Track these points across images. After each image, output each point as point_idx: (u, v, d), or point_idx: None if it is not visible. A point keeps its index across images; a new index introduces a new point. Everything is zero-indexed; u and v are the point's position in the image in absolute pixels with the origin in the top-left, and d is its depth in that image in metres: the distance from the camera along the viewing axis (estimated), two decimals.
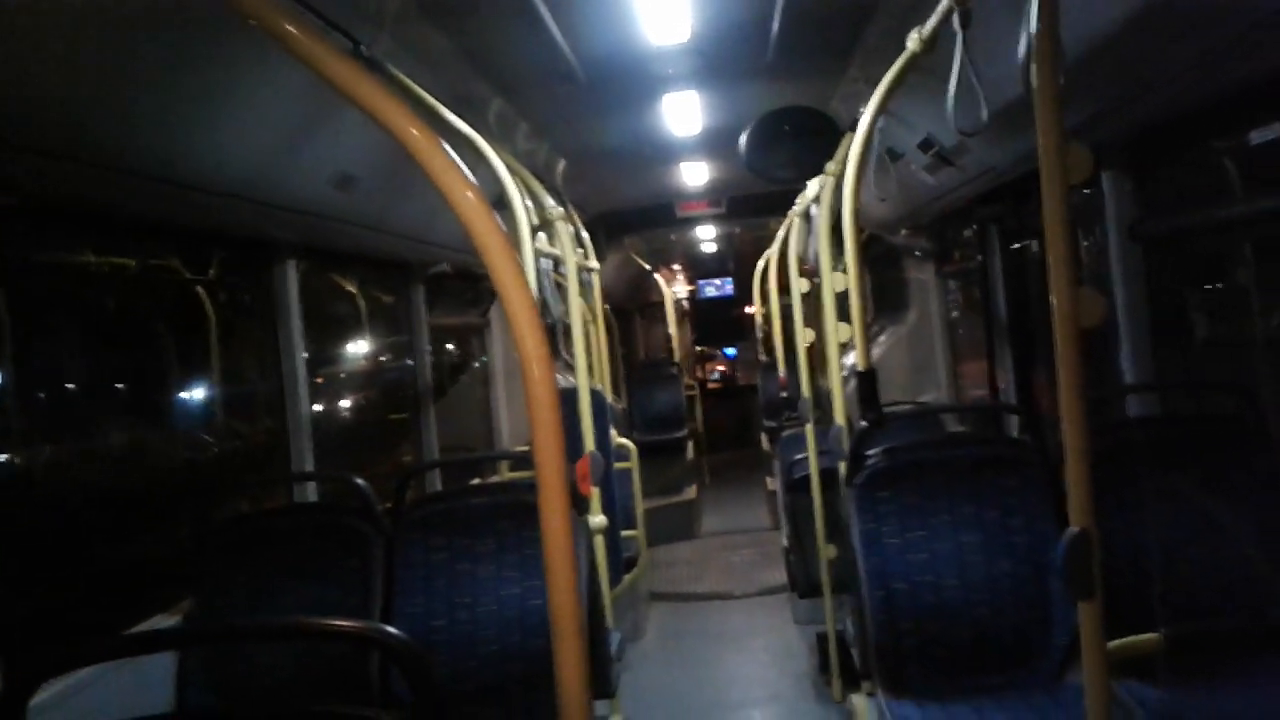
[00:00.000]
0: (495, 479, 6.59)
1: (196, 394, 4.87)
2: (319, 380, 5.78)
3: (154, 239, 4.10)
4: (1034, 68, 1.89)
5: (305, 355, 4.68)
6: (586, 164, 7.14)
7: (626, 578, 6.57)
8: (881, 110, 3.39)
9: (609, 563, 5.02)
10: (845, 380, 4.41)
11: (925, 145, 4.65)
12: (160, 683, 3.29)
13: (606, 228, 9.59)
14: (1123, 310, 4.03)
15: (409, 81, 3.43)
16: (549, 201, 4.63)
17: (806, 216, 5.40)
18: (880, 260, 8.73)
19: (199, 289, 4.59)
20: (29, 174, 2.64)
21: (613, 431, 6.65)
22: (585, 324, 6.64)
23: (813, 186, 5.08)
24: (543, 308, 4.76)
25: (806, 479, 5.48)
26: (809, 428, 5.55)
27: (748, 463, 13.11)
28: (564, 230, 4.65)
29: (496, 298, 7.97)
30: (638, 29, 4.25)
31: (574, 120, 5.82)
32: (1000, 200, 5.30)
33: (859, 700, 3.84)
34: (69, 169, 2.70)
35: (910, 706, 3.23)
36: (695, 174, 8.40)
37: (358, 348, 6.75)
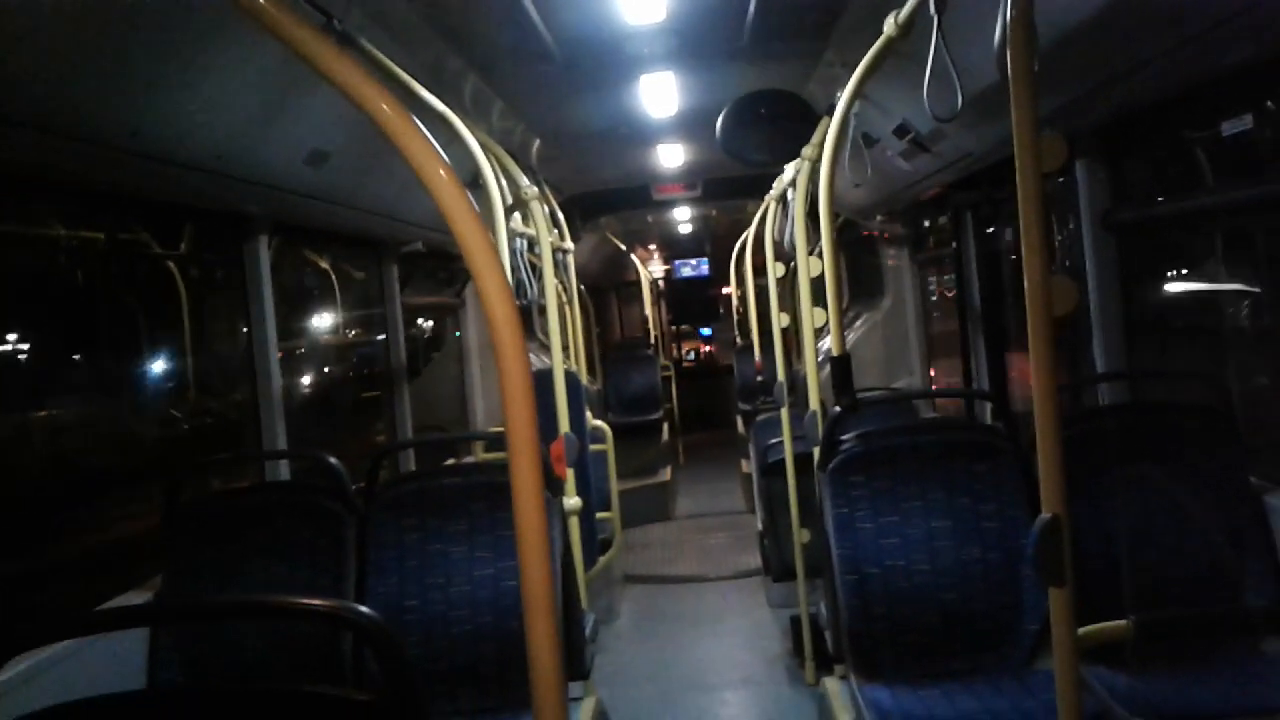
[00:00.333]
0: (470, 460, 6.59)
1: (167, 369, 4.83)
2: (292, 355, 5.74)
3: (124, 212, 4.05)
4: (1009, 54, 1.89)
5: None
6: (562, 144, 7.10)
7: (601, 560, 6.58)
8: (857, 95, 3.38)
9: (583, 545, 5.02)
10: (820, 365, 4.42)
11: (901, 131, 4.66)
12: (131, 662, 3.26)
13: (582, 209, 9.54)
14: (1095, 298, 4.06)
15: (382, 57, 3.39)
16: (524, 181, 4.60)
17: (783, 200, 5.40)
18: (855, 246, 8.75)
19: (170, 264, 4.55)
20: None
21: (588, 413, 6.64)
22: (560, 304, 6.62)
23: (789, 170, 5.07)
24: (517, 288, 4.74)
25: (781, 463, 5.49)
26: (784, 412, 5.56)
27: (722, 444, 13.14)
28: (539, 210, 4.62)
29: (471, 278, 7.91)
30: (614, 7, 4.22)
31: (550, 99, 5.78)
32: (975, 187, 5.32)
33: (831, 683, 3.86)
34: (35, 138, 2.66)
35: (882, 690, 3.26)
36: (671, 156, 8.37)
37: (330, 325, 6.71)
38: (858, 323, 8.29)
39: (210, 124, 3.20)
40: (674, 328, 17.51)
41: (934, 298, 7.48)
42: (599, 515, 6.70)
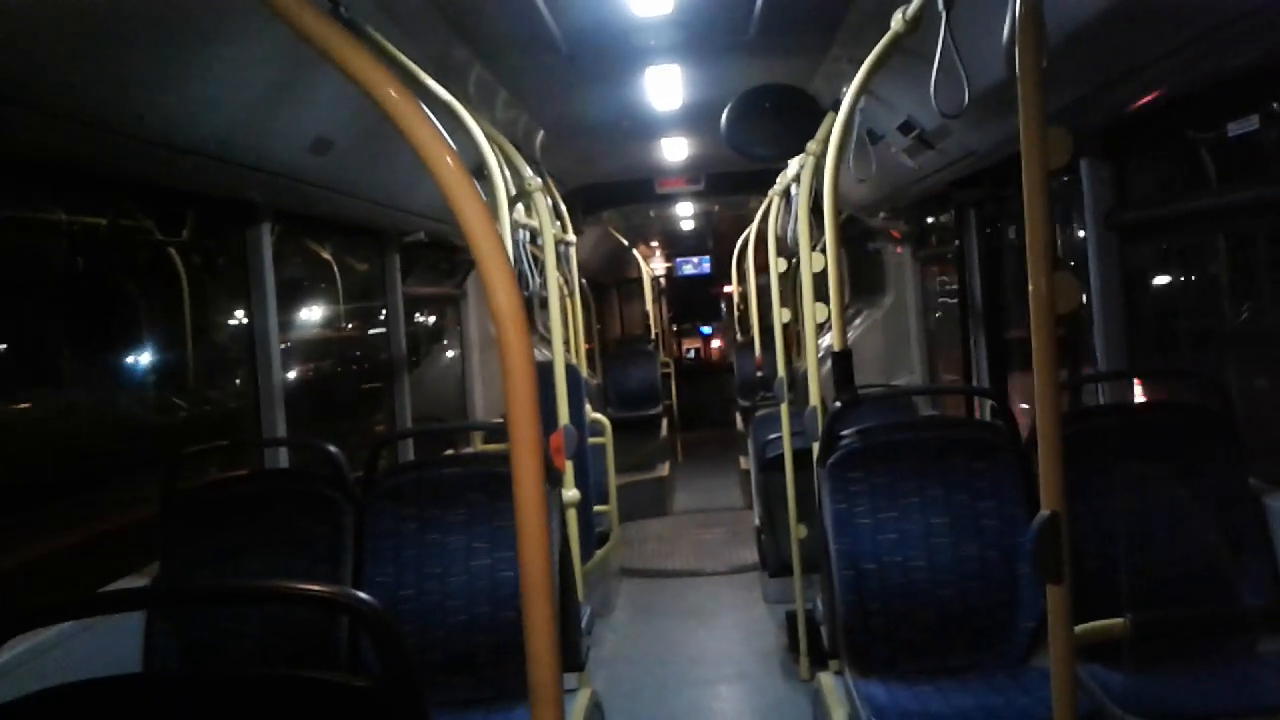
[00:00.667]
0: (469, 450, 6.59)
1: (167, 356, 4.83)
2: (293, 344, 5.74)
3: (126, 198, 4.05)
4: (1017, 50, 1.89)
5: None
6: (566, 136, 7.09)
7: (598, 553, 6.58)
8: (863, 90, 3.38)
9: (581, 537, 5.02)
10: (821, 361, 4.41)
11: (906, 128, 4.65)
12: (127, 647, 3.26)
13: (584, 201, 9.54)
14: (1097, 298, 4.06)
15: (388, 44, 3.38)
16: (527, 172, 4.59)
17: (786, 196, 5.39)
18: (857, 242, 8.75)
19: (172, 250, 4.55)
20: None
21: (587, 407, 6.64)
22: (562, 298, 6.62)
23: (793, 166, 5.07)
24: (519, 280, 4.74)
25: (779, 459, 5.49)
26: (783, 408, 5.56)
27: (721, 441, 13.14)
28: (542, 202, 4.62)
29: (474, 268, 7.93)
30: None
31: (554, 91, 5.77)
32: (979, 185, 5.31)
33: (826, 679, 3.86)
34: (36, 120, 2.66)
35: (876, 686, 3.26)
36: (675, 150, 8.36)
37: (331, 314, 6.71)
38: (858, 320, 8.29)
39: (216, 110, 3.20)
40: (674, 325, 17.50)
41: (940, 298, 7.48)
42: (596, 508, 6.70)
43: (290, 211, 4.72)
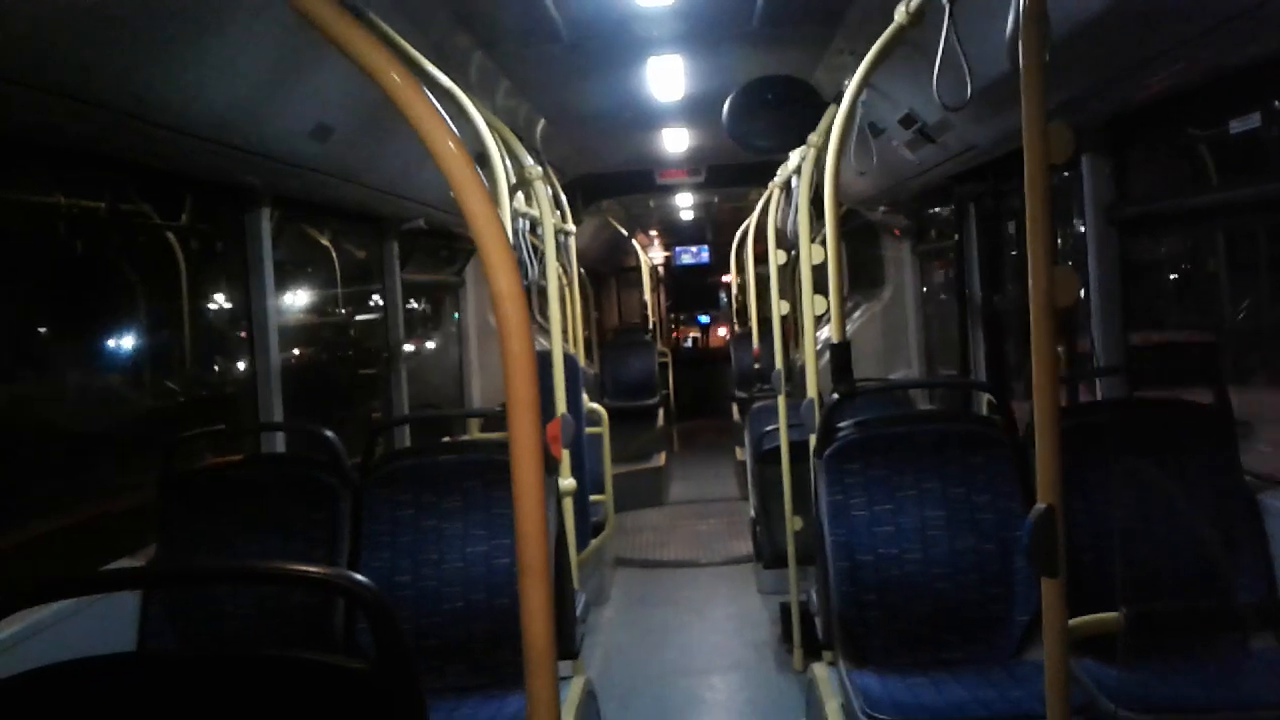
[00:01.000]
0: (465, 438, 6.59)
1: (164, 341, 4.83)
2: (290, 329, 5.74)
3: (125, 181, 4.04)
4: (1020, 45, 1.89)
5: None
6: (566, 125, 7.08)
7: (593, 542, 6.59)
8: (865, 83, 3.38)
9: (576, 526, 5.03)
10: (819, 353, 4.42)
11: (907, 121, 4.65)
12: (123, 629, 3.27)
13: (584, 191, 9.52)
14: (1096, 293, 4.06)
15: (390, 31, 3.38)
16: (528, 160, 4.59)
17: (787, 187, 5.39)
18: (857, 235, 8.74)
19: (170, 234, 4.54)
20: None
21: (584, 396, 6.65)
22: (560, 287, 6.62)
23: (794, 158, 5.06)
24: (519, 268, 4.73)
25: (776, 450, 5.50)
26: (780, 399, 5.57)
27: (718, 431, 13.14)
28: (542, 191, 4.62)
29: (472, 256, 7.96)
30: None
31: (556, 80, 5.76)
32: (979, 179, 5.32)
33: (820, 670, 3.88)
34: (35, 102, 2.65)
35: (870, 677, 3.27)
36: (676, 140, 8.35)
37: (329, 300, 6.70)
38: (856, 313, 8.29)
39: (217, 93, 3.19)
40: (673, 315, 17.50)
41: (942, 292, 7.48)
42: (592, 498, 6.71)
43: (289, 197, 4.72)
